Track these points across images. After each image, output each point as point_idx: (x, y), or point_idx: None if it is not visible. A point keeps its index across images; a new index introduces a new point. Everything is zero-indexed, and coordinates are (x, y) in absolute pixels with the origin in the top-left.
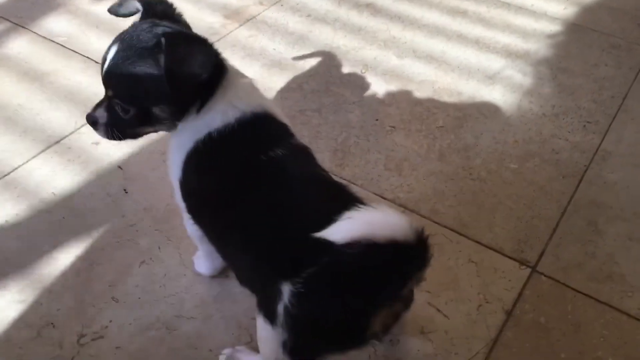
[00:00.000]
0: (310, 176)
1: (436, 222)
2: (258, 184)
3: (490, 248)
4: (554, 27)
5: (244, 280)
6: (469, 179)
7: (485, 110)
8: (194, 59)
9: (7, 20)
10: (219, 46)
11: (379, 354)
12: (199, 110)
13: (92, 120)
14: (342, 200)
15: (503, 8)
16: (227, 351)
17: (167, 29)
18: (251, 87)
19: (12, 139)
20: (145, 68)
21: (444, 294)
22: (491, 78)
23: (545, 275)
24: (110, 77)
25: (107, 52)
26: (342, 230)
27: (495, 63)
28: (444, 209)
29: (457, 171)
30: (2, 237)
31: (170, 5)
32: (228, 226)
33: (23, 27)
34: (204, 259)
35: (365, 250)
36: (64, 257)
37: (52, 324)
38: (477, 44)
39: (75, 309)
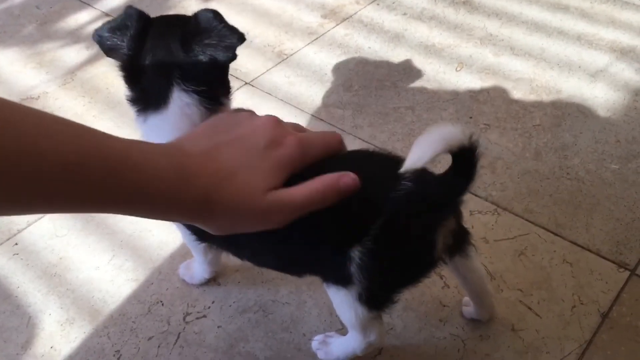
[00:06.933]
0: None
1: (530, 221)
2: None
3: (587, 249)
4: None
5: (293, 270)
6: (565, 178)
7: (586, 109)
8: None
9: None
10: (317, 44)
11: (468, 348)
12: None
13: None
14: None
15: (608, 3)
16: (318, 337)
17: None
18: None
19: (129, 133)
20: None
21: (536, 293)
22: (593, 76)
23: None
24: None
25: None
26: (420, 156)
27: (598, 60)
28: (538, 209)
29: (553, 170)
30: (118, 221)
31: None
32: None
33: None
34: (199, 268)
35: (418, 178)
36: (173, 242)
37: (161, 302)
38: (579, 40)
39: (181, 289)
